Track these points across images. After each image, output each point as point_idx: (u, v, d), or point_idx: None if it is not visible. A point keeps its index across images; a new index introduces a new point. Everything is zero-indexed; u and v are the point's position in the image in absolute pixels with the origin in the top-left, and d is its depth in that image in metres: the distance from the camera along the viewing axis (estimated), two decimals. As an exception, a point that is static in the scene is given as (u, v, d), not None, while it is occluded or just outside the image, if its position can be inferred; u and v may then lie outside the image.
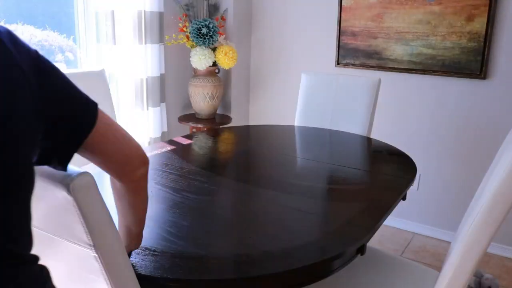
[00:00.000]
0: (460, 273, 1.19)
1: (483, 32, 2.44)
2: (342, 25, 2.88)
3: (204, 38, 2.75)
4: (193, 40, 2.78)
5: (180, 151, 1.93)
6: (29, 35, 2.34)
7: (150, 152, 1.89)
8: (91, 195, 0.80)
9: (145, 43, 2.68)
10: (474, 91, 2.56)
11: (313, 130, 2.35)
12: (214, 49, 2.86)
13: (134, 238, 1.04)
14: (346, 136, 2.24)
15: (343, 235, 1.21)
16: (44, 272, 0.77)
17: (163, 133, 2.91)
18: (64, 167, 0.80)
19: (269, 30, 3.22)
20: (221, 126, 2.92)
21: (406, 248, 2.71)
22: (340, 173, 1.72)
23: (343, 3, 2.84)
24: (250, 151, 2.06)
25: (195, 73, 2.93)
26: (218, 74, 3.01)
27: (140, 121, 2.75)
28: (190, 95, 2.96)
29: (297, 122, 2.49)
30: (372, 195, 1.50)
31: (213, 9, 3.09)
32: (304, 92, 2.48)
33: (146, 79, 2.73)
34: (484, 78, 2.49)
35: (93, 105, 0.81)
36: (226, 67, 2.86)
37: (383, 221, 1.31)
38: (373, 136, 2.35)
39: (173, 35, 2.87)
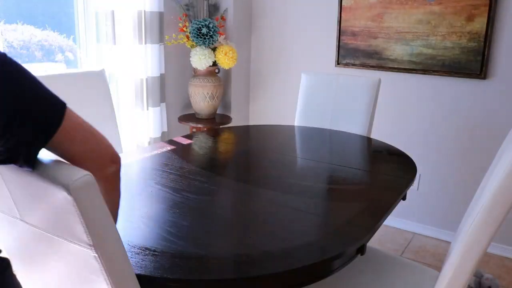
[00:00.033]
0: (460, 273, 1.19)
1: (483, 32, 2.44)
2: (342, 25, 2.88)
3: (204, 38, 2.75)
4: (193, 40, 2.78)
5: (180, 151, 1.93)
6: (29, 35, 2.34)
7: (150, 152, 1.89)
8: (91, 195, 0.80)
9: (145, 43, 2.68)
10: (474, 91, 2.56)
11: (313, 130, 2.35)
12: (214, 49, 2.86)
13: None
14: (346, 136, 2.24)
15: (343, 235, 1.21)
16: (4, 262, 0.82)
17: (163, 133, 2.91)
18: (30, 165, 0.82)
19: (269, 30, 3.22)
20: (221, 126, 2.92)
21: (406, 248, 2.71)
22: (340, 173, 1.72)
23: (343, 3, 2.84)
24: (250, 151, 2.06)
25: (195, 73, 2.93)
26: (218, 74, 3.01)
27: (140, 121, 2.75)
28: (190, 95, 2.96)
29: (297, 122, 2.49)
30: (372, 195, 1.50)
31: (213, 9, 3.09)
32: (304, 92, 2.48)
33: (146, 79, 2.73)
34: (484, 78, 2.49)
35: (61, 105, 0.85)
36: (226, 67, 2.86)
37: (383, 221, 1.31)
38: (373, 136, 2.35)
39: (173, 35, 2.87)
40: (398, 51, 2.71)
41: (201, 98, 2.91)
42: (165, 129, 2.94)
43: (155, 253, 1.06)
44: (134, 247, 1.09)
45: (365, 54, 2.83)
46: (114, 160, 0.94)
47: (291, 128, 2.41)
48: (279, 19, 3.16)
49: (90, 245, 0.82)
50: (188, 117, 3.03)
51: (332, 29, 2.94)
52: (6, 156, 0.80)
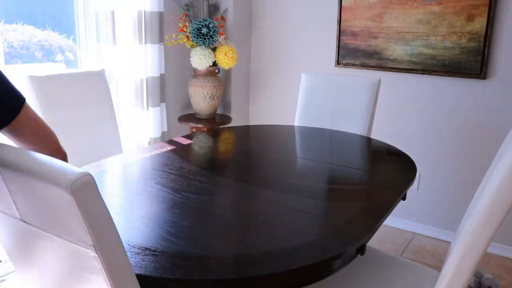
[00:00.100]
0: (460, 273, 1.19)
1: (483, 32, 2.44)
2: (342, 25, 2.88)
3: (204, 38, 2.75)
4: (193, 40, 2.78)
5: (180, 151, 1.93)
6: (29, 35, 2.34)
7: (150, 152, 1.89)
8: (91, 195, 0.80)
9: (145, 43, 2.68)
10: (474, 91, 2.56)
11: (313, 130, 2.35)
12: (214, 49, 2.86)
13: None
14: (346, 136, 2.24)
15: (343, 235, 1.21)
16: None
17: (163, 133, 2.91)
18: None
19: (269, 30, 3.22)
20: (221, 126, 2.92)
21: (406, 248, 2.71)
22: (340, 173, 1.72)
23: (343, 3, 2.84)
24: (250, 151, 2.06)
25: (195, 73, 2.93)
26: (218, 74, 3.01)
27: (140, 121, 2.75)
28: (190, 95, 2.96)
29: (297, 122, 2.49)
30: (372, 195, 1.50)
31: (213, 9, 3.09)
32: (304, 92, 2.48)
33: (146, 79, 2.73)
34: (484, 78, 2.49)
35: (20, 100, 1.07)
36: (226, 67, 2.86)
37: (383, 221, 1.31)
38: (373, 136, 2.35)
39: (173, 35, 2.87)
40: (398, 51, 2.71)
41: (201, 98, 2.91)
42: (165, 129, 2.94)
43: (155, 253, 1.06)
44: (134, 247, 1.09)
45: (365, 54, 2.83)
46: (58, 152, 1.15)
47: (291, 128, 2.41)
48: (279, 19, 3.16)
49: (90, 245, 0.82)
50: (188, 117, 3.03)
51: (332, 29, 2.94)
52: None
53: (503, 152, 1.27)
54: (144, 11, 2.64)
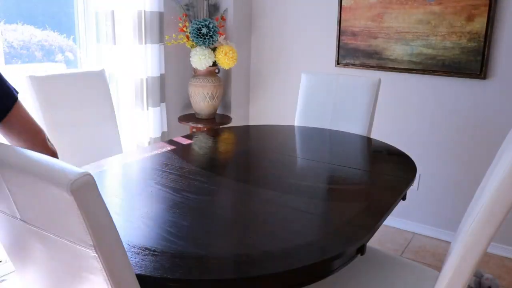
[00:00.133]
0: (460, 273, 1.19)
1: (483, 32, 2.44)
2: (342, 25, 2.88)
3: (204, 38, 2.75)
4: (193, 40, 2.78)
5: (180, 151, 1.93)
6: (29, 35, 2.34)
7: (150, 152, 1.89)
8: (91, 195, 0.80)
9: (145, 43, 2.68)
10: (474, 91, 2.56)
11: (313, 130, 2.35)
12: (214, 49, 2.86)
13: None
14: (346, 136, 2.24)
15: (343, 235, 1.21)
16: None
17: (163, 133, 2.91)
18: None
19: (269, 30, 3.22)
20: (221, 126, 2.92)
21: (406, 248, 2.71)
22: (340, 173, 1.72)
23: (343, 3, 2.84)
24: (250, 151, 2.06)
25: (195, 73, 2.93)
26: (218, 74, 3.01)
27: (140, 121, 2.75)
28: (190, 95, 2.96)
29: (297, 122, 2.49)
30: (372, 195, 1.50)
31: (213, 9, 3.09)
32: (304, 92, 2.48)
33: (146, 79, 2.73)
34: (484, 78, 2.49)
35: (13, 97, 1.15)
36: (226, 67, 2.86)
37: (383, 221, 1.31)
38: (373, 136, 2.35)
39: (173, 35, 2.87)
40: (398, 51, 2.71)
41: (201, 98, 2.91)
42: (165, 129, 2.94)
43: (155, 253, 1.06)
44: (134, 247, 1.09)
45: (365, 54, 2.83)
46: (48, 151, 1.22)
47: (291, 128, 2.41)
48: (279, 19, 3.16)
49: (90, 245, 0.82)
50: (188, 117, 3.03)
51: (332, 29, 2.94)
52: None
53: (503, 152, 1.27)
54: (144, 11, 2.64)
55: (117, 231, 0.88)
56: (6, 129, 1.15)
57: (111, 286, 0.87)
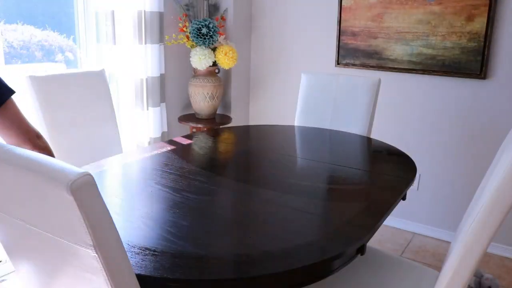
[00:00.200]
0: (460, 273, 1.19)
1: (483, 32, 2.44)
2: (342, 25, 2.88)
3: (204, 38, 2.75)
4: (193, 40, 2.78)
5: (180, 151, 1.93)
6: (29, 35, 2.34)
7: (150, 152, 1.89)
8: (91, 195, 0.80)
9: (145, 43, 2.68)
10: (474, 91, 2.56)
11: (313, 130, 2.35)
12: (214, 49, 2.86)
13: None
14: (346, 136, 2.24)
15: (343, 235, 1.21)
16: None
17: (163, 133, 2.91)
18: None
19: (269, 30, 3.22)
20: (221, 126, 2.92)
21: (406, 248, 2.71)
22: (340, 173, 1.72)
23: (343, 3, 2.84)
24: (250, 151, 2.06)
25: (195, 73, 2.93)
26: (218, 74, 3.01)
27: (140, 121, 2.75)
28: (190, 95, 2.96)
29: (297, 122, 2.49)
30: (372, 195, 1.50)
31: (213, 9, 3.09)
32: (304, 92, 2.48)
33: (146, 79, 2.73)
34: (484, 78, 2.49)
35: (7, 93, 1.27)
36: (226, 67, 2.86)
37: (383, 221, 1.31)
38: (373, 136, 2.35)
39: (173, 35, 2.87)
40: (398, 51, 2.71)
41: (201, 98, 2.91)
42: (165, 129, 2.94)
43: (155, 253, 1.06)
44: (134, 247, 1.09)
45: (365, 54, 2.83)
46: (35, 146, 1.32)
47: (291, 128, 2.41)
48: (279, 19, 3.16)
49: (90, 245, 0.82)
50: (188, 117, 3.03)
51: (332, 29, 2.94)
52: None
53: (503, 152, 1.27)
54: (144, 11, 2.64)
55: (117, 231, 0.88)
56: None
57: (111, 286, 0.87)
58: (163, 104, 2.90)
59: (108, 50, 2.56)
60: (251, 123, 3.45)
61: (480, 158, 2.59)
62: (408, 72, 2.72)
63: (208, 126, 2.90)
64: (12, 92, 1.33)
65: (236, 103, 3.29)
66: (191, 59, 2.83)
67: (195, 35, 2.75)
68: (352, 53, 2.88)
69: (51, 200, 0.81)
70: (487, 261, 2.56)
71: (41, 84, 1.86)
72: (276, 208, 1.36)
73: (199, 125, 2.92)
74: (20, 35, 2.30)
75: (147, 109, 2.77)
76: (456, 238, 1.31)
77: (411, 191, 2.83)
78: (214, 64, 2.88)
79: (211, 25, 2.75)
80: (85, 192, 0.79)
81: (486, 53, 2.45)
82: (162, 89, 2.84)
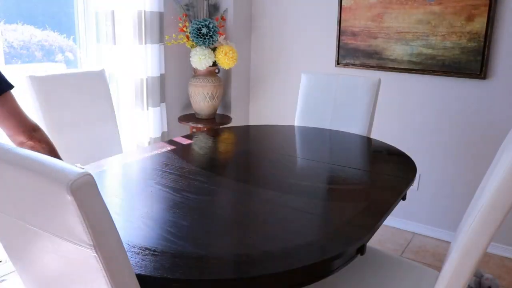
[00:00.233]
0: (460, 273, 1.19)
1: (483, 32, 2.44)
2: (342, 25, 2.88)
3: (204, 38, 2.75)
4: (193, 40, 2.78)
5: (180, 151, 1.93)
6: (29, 35, 2.34)
7: (150, 152, 1.89)
8: (91, 195, 0.80)
9: (145, 43, 2.68)
10: (474, 91, 2.56)
11: (313, 130, 2.35)
12: (214, 49, 2.86)
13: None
14: (346, 136, 2.24)
15: (343, 235, 1.21)
16: None
17: (163, 133, 2.91)
18: None
19: (269, 30, 3.22)
20: (221, 126, 2.92)
21: (406, 248, 2.71)
22: (340, 173, 1.72)
23: (343, 3, 2.84)
24: (250, 151, 2.06)
25: (195, 73, 2.93)
26: (218, 74, 3.01)
27: (140, 121, 2.75)
28: (190, 95, 2.96)
29: (297, 122, 2.49)
30: (372, 195, 1.50)
31: (213, 9, 3.09)
32: (304, 92, 2.48)
33: (146, 79, 2.73)
34: (484, 78, 2.49)
35: (6, 86, 1.33)
36: (226, 67, 2.86)
37: (383, 221, 1.31)
38: (373, 136, 2.35)
39: (173, 35, 2.87)
40: (398, 51, 2.71)
41: (201, 98, 2.91)
42: (165, 129, 2.94)
43: (155, 253, 1.06)
44: (134, 247, 1.09)
45: (365, 54, 2.83)
46: (30, 138, 1.38)
47: (291, 128, 2.41)
48: (279, 19, 3.16)
49: (90, 245, 0.82)
50: (188, 117, 3.03)
51: (332, 29, 2.94)
52: None
53: (503, 152, 1.27)
54: (144, 11, 2.64)
55: (117, 231, 0.88)
56: None
57: (111, 286, 0.87)
58: (163, 104, 2.90)
59: (108, 50, 2.56)
60: (251, 123, 3.45)
61: (480, 158, 2.59)
62: (408, 72, 2.72)
63: (208, 126, 2.90)
64: (11, 86, 1.36)
65: (236, 103, 3.29)
66: (191, 59, 2.83)
67: (195, 35, 2.75)
68: (352, 53, 2.88)
69: (51, 200, 0.81)
70: (487, 261, 2.56)
71: (41, 84, 1.86)
72: (276, 208, 1.36)
73: (199, 125, 2.92)
74: (20, 35, 2.30)
75: (147, 109, 2.77)
76: (456, 238, 1.31)
77: (411, 191, 2.83)
78: (214, 64, 2.88)
79: (211, 25, 2.75)
80: (85, 192, 0.79)
81: (486, 53, 2.45)
82: (162, 89, 2.84)
